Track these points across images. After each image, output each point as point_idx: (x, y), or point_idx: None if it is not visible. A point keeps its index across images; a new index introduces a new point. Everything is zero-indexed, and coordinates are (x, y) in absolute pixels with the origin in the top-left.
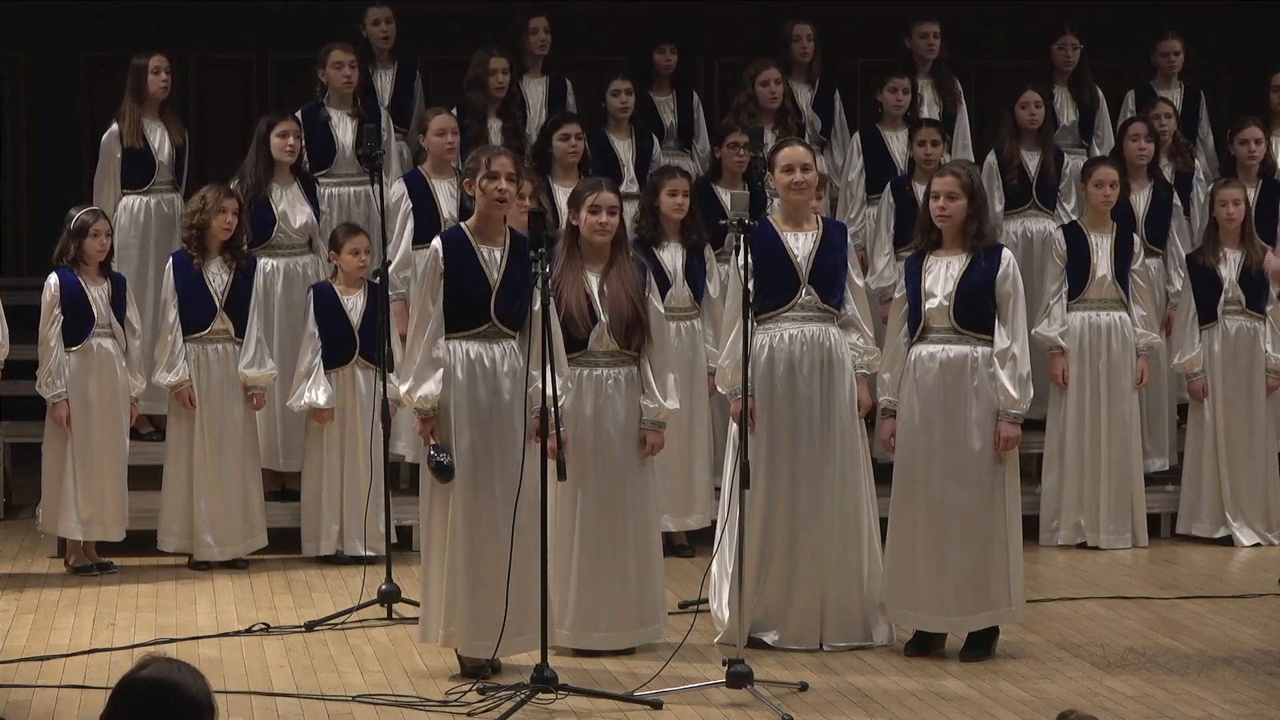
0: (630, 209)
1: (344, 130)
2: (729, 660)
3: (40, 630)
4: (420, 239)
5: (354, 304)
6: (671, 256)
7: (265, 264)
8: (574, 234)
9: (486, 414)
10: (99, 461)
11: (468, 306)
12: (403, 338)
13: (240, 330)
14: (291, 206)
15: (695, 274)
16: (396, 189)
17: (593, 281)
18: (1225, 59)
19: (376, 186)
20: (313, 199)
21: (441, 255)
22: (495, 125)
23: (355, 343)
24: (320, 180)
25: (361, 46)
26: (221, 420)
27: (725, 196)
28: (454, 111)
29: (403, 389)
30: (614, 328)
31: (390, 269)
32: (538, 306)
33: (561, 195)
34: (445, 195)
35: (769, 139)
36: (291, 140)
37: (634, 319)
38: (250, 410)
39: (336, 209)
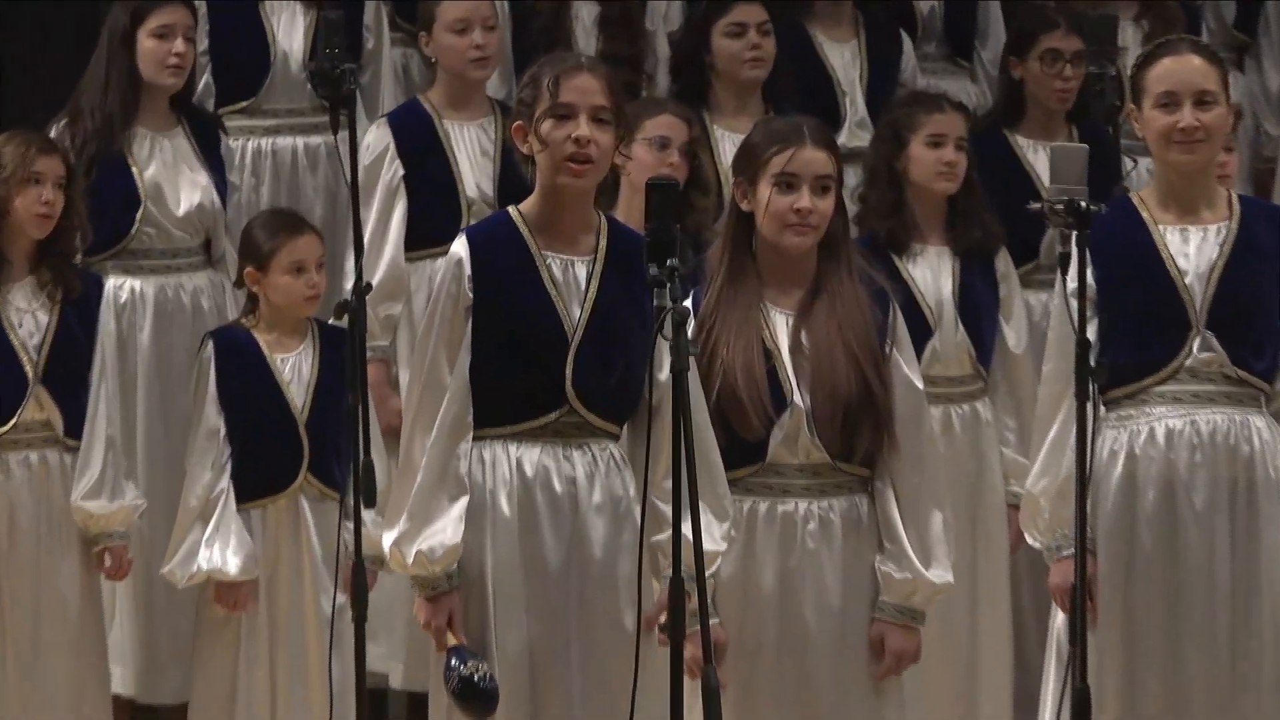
0: (851, 178)
1: (289, 25)
2: None
3: None
4: (421, 239)
5: (296, 368)
6: (932, 274)
7: (119, 287)
8: (743, 229)
9: (558, 586)
10: None
11: (522, 374)
12: (392, 433)
13: (73, 424)
14: (172, 172)
15: (979, 308)
16: (374, 139)
17: (779, 325)
18: None
19: (344, 135)
20: (214, 158)
21: (470, 272)
22: (586, 10)
23: (300, 447)
24: (233, 121)
25: None
26: (37, 598)
27: (1038, 154)
28: None
29: (389, 538)
30: (820, 418)
31: (368, 299)
32: (666, 375)
33: (728, 147)
34: (470, 152)
35: (1128, 39)
36: (179, 45)
37: (861, 400)
38: (92, 579)
39: (267, 179)
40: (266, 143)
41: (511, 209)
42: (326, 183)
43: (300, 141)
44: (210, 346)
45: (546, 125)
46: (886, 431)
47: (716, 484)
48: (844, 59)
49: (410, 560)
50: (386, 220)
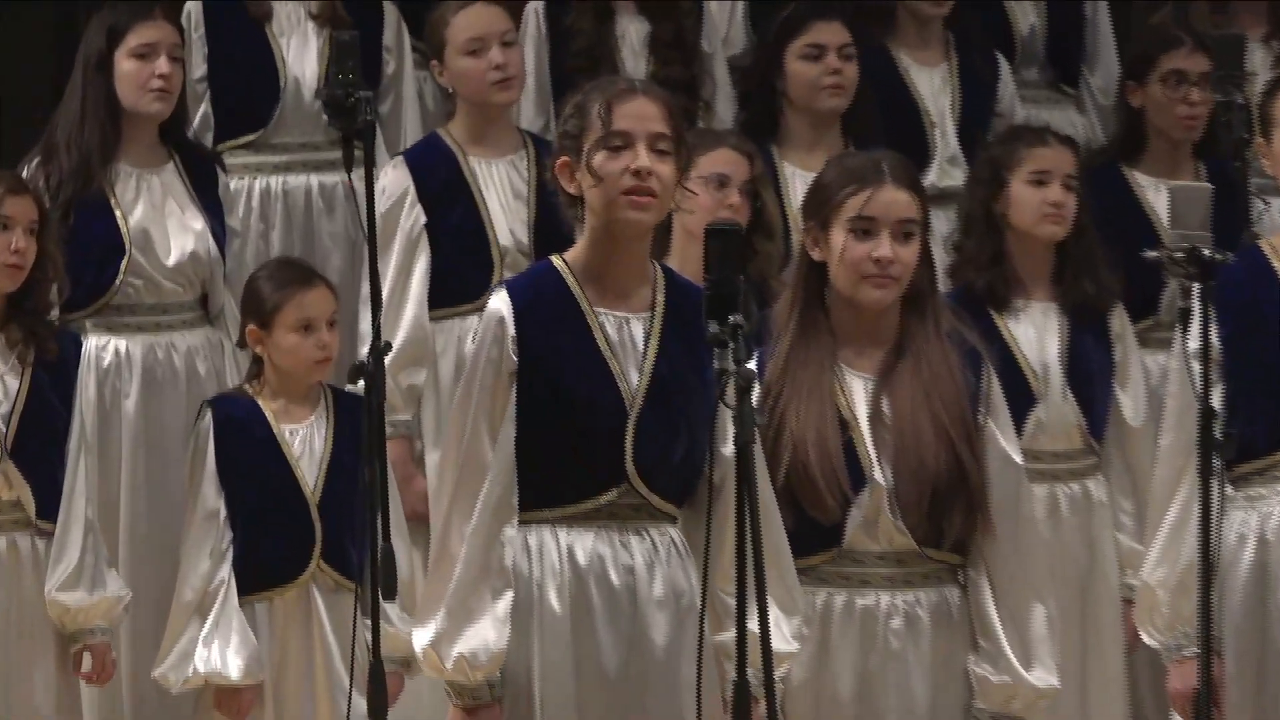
0: (943, 224)
1: (300, 47)
2: None
3: None
4: (447, 295)
5: (307, 442)
6: (1036, 333)
7: (101, 348)
8: (815, 281)
9: (616, 692)
10: None
11: (574, 449)
12: (417, 519)
13: (47, 505)
14: (161, 214)
15: (1090, 372)
16: (390, 182)
17: (857, 391)
18: None
19: (359, 172)
20: (210, 198)
21: (513, 332)
22: (634, 28)
23: (312, 531)
24: (238, 158)
25: None
26: (6, 707)
27: (1160, 193)
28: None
29: (423, 637)
30: (904, 498)
31: (388, 363)
32: (730, 449)
33: (798, 186)
34: (501, 193)
35: (1256, 63)
36: (163, 65)
37: (952, 478)
38: (69, 683)
39: (278, 224)
40: (276, 181)
41: (555, 258)
42: (345, 228)
43: (314, 180)
44: (208, 417)
45: (599, 157)
46: (980, 513)
47: (785, 574)
48: (933, 86)
49: (449, 665)
50: (407, 275)
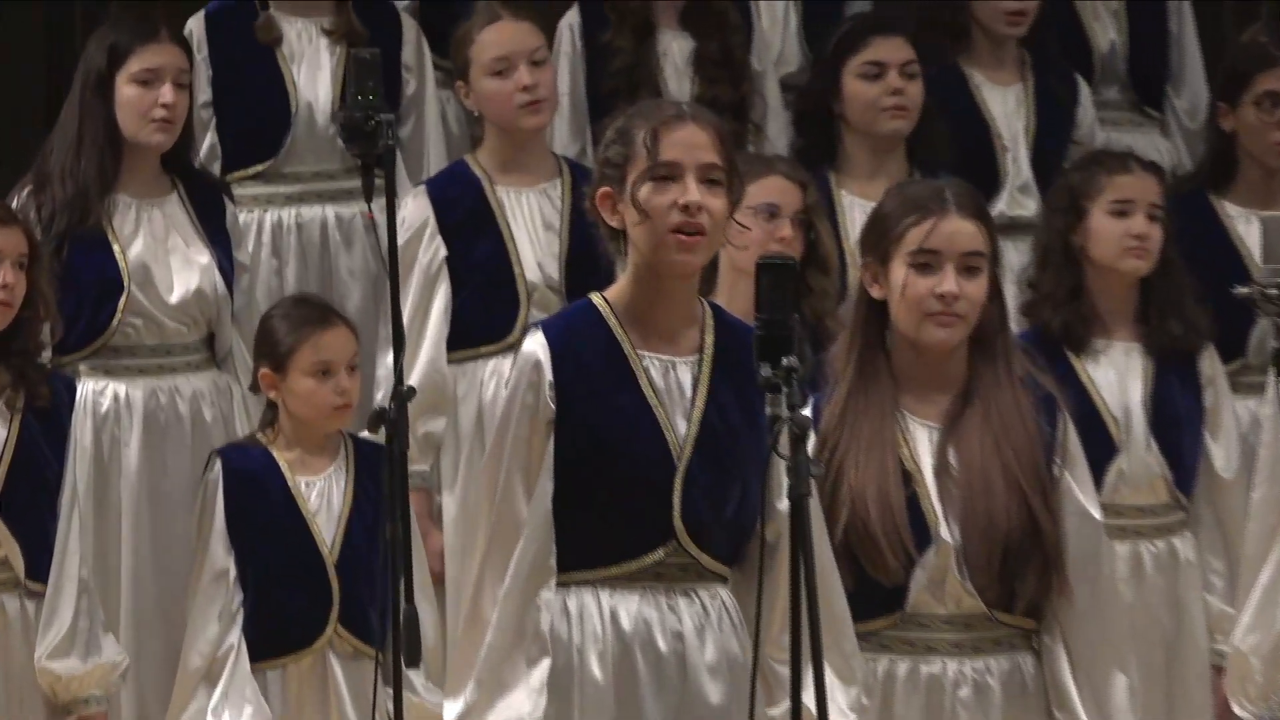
0: (1015, 257)
1: (312, 67)
2: None
3: None
4: (468, 336)
5: (325, 495)
6: (1118, 377)
7: (99, 393)
8: (875, 321)
9: None
10: None
11: (618, 505)
12: (435, 579)
13: (37, 564)
14: (163, 249)
15: (1178, 420)
16: (410, 213)
17: (921, 441)
18: None
19: (380, 202)
20: (216, 230)
21: (551, 378)
22: (677, 45)
23: (329, 593)
24: (248, 189)
25: None
26: None
27: (1250, 225)
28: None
29: (453, 710)
30: (973, 557)
31: (410, 408)
32: (785, 503)
33: (857, 217)
34: (530, 224)
35: None
36: (168, 93)
37: (1025, 535)
38: None
39: (292, 259)
40: (289, 214)
41: (595, 297)
42: (365, 263)
43: (331, 212)
44: (217, 467)
45: (645, 190)
46: (1056, 574)
47: (842, 640)
48: (1006, 107)
49: None
50: (424, 313)
